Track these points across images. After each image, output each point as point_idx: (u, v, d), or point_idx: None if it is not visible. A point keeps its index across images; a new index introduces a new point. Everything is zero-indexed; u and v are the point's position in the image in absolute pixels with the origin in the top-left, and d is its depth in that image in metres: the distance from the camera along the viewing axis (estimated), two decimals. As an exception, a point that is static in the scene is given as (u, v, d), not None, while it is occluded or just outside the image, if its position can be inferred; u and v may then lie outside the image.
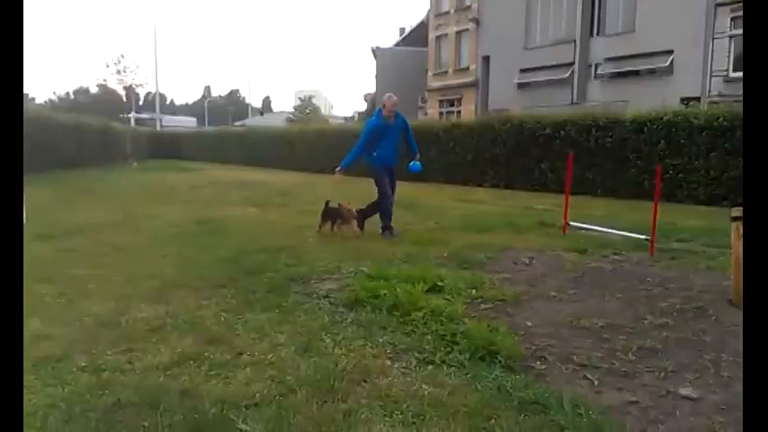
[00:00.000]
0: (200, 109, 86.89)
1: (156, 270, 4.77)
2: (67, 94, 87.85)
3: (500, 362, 2.84)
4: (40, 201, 8.84)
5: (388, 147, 6.98)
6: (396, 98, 6.93)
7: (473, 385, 2.57)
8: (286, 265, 5.03)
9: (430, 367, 2.81)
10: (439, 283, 4.19)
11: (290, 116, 52.32)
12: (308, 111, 51.56)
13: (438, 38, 33.13)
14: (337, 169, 7.03)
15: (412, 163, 7.24)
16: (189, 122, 68.58)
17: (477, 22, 29.59)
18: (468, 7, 30.34)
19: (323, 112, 63.44)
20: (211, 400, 2.34)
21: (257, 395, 2.40)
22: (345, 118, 57.66)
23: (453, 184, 15.02)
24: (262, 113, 74.31)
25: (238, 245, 6.00)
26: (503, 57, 27.61)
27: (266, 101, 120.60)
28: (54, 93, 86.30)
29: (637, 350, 3.07)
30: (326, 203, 6.99)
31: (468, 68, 30.70)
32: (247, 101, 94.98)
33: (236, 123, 61.97)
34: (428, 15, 34.84)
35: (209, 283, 4.35)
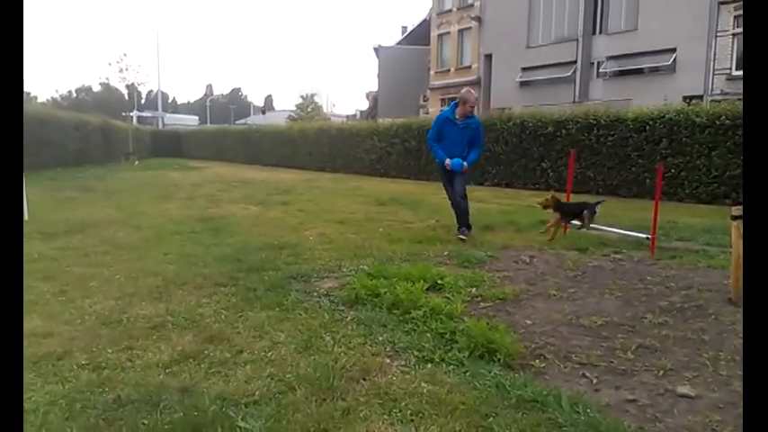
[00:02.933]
0: (203, 107, 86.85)
1: (158, 268, 4.78)
2: (70, 92, 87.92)
3: (499, 360, 2.85)
4: (42, 199, 8.88)
5: (450, 147, 6.46)
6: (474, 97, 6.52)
7: (472, 383, 2.58)
8: (286, 263, 5.04)
9: (429, 365, 2.82)
10: (439, 282, 4.20)
11: (292, 114, 52.28)
12: (309, 109, 51.50)
13: (440, 36, 33.13)
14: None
15: (456, 159, 6.44)
16: (191, 121, 68.61)
17: (479, 20, 29.57)
18: (471, 5, 30.33)
19: (325, 110, 63.38)
20: (211, 398, 2.35)
21: (257, 393, 2.42)
22: (347, 116, 57.59)
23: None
24: (263, 112, 74.30)
25: (239, 243, 6.01)
26: (505, 55, 27.59)
27: (268, 99, 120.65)
28: (56, 91, 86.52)
29: (636, 349, 3.08)
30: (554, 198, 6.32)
31: (470, 67, 30.71)
32: (249, 99, 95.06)
33: (238, 122, 61.99)
34: (430, 13, 34.82)
35: (210, 281, 4.36)
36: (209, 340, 3.09)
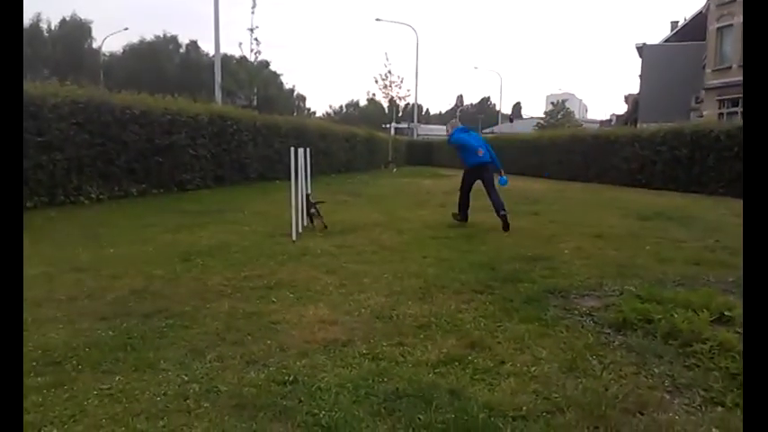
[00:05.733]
0: (452, 117, 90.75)
1: (419, 270, 5.11)
2: (341, 107, 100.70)
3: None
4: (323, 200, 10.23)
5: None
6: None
7: (781, 441, 2.15)
8: (542, 276, 4.91)
9: (719, 409, 2.45)
10: (726, 313, 3.61)
11: (540, 122, 51.22)
12: (560, 115, 49.78)
13: (720, 29, 28.86)
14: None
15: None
16: (441, 131, 72.38)
17: (774, 4, 24.92)
18: (763, -11, 25.74)
19: (576, 116, 60.53)
20: (479, 405, 2.40)
21: (524, 408, 2.38)
22: (601, 121, 54.12)
23: (737, 196, 12.85)
24: (511, 120, 74.40)
25: (492, 251, 6.08)
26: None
27: (516, 107, 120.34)
28: (330, 106, 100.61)
29: None
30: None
31: (758, 61, 26.07)
32: (497, 108, 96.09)
33: (485, 130, 63.15)
34: (707, 5, 30.59)
35: (468, 288, 4.48)
36: (470, 346, 3.17)
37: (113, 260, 5.40)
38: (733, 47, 27.96)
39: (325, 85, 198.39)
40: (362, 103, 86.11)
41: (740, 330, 3.37)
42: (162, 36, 62.26)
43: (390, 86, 30.05)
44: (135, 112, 11.17)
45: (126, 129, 10.90)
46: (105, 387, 2.61)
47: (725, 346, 3.05)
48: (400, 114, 40.98)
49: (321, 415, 2.33)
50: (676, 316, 3.42)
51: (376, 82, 30.21)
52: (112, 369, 2.82)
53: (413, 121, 49.46)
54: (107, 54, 57.61)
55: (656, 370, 2.85)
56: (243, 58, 20.15)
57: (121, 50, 59.89)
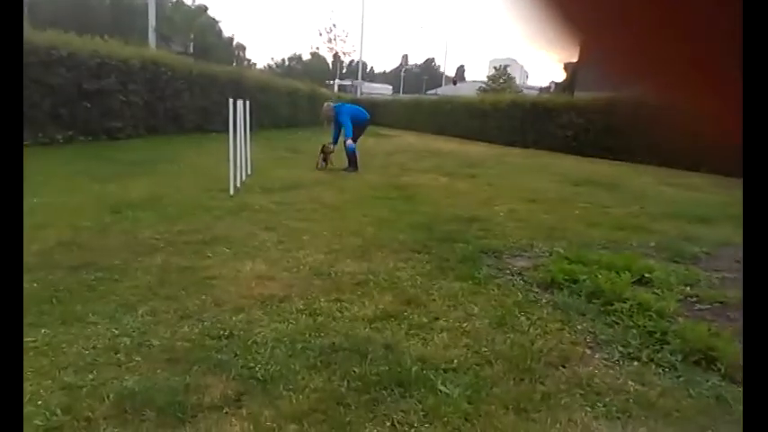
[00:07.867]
0: (397, 77, 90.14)
1: (359, 228, 5.13)
2: (283, 60, 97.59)
3: (719, 370, 2.55)
4: (261, 157, 10.02)
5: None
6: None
7: (686, 390, 2.36)
8: (477, 237, 5.05)
9: (636, 363, 2.64)
10: (646, 275, 3.86)
11: (483, 86, 51.69)
12: (501, 80, 50.35)
13: None
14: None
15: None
16: (385, 90, 71.96)
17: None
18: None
19: (517, 82, 61.43)
20: (412, 358, 2.48)
21: (455, 361, 2.48)
22: (541, 88, 55.27)
23: (662, 166, 13.57)
24: (455, 83, 74.65)
25: (430, 212, 6.18)
26: None
27: (460, 70, 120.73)
28: (272, 59, 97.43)
29: None
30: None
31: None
32: (442, 69, 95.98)
33: (429, 92, 63.20)
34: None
35: (405, 247, 4.55)
36: (406, 303, 3.25)
37: (38, 210, 5.10)
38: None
39: (266, 35, 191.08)
40: (306, 57, 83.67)
41: (658, 291, 3.63)
42: (90, -28, 57.71)
43: (335, 40, 29.42)
44: (62, 54, 10.41)
45: (51, 71, 10.16)
46: (30, 340, 2.51)
47: (643, 305, 3.27)
48: (344, 71, 40.18)
49: (257, 368, 2.34)
50: (600, 277, 3.63)
51: (320, 35, 29.71)
52: (37, 322, 2.71)
53: (357, 79, 48.69)
54: (28, -12, 52.92)
55: (579, 327, 3.02)
56: (179, 1, 19.08)
57: (44, -15, 55.15)
